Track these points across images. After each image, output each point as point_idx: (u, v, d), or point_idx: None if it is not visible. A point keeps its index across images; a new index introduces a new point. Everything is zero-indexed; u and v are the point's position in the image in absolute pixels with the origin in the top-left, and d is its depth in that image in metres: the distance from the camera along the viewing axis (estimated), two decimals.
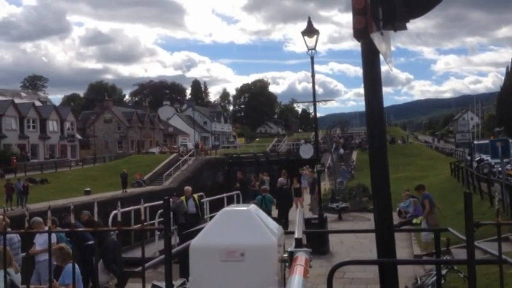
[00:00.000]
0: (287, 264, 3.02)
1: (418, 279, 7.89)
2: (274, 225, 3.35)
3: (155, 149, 69.49)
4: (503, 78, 72.36)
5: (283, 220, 16.44)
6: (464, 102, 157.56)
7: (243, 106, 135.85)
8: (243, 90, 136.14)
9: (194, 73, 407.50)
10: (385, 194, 3.56)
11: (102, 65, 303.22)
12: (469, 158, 27.16)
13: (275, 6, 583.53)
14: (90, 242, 9.81)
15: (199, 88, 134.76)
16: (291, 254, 2.94)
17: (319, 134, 19.74)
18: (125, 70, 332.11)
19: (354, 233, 13.24)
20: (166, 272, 3.38)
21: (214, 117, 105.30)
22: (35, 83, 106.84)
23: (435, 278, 6.31)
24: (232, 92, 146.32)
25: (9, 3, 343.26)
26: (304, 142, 37.31)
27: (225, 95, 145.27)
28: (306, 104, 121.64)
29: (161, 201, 4.08)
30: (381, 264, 3.63)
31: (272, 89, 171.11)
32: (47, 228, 3.87)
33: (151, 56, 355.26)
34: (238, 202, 19.83)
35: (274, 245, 3.01)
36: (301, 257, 2.78)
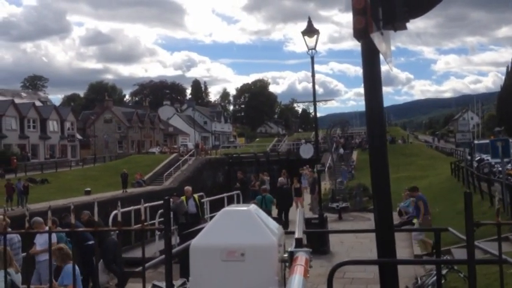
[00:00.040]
0: (287, 264, 3.02)
1: (419, 279, 7.89)
2: (274, 225, 3.35)
3: (155, 149, 69.50)
4: (503, 78, 72.49)
5: (282, 219, 16.44)
6: (465, 102, 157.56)
7: (243, 106, 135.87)
8: (243, 90, 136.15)
9: (194, 73, 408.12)
10: (385, 194, 3.56)
11: (102, 65, 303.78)
12: (469, 157, 27.15)
13: (275, 6, 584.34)
14: (91, 242, 9.81)
15: (199, 88, 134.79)
16: (291, 254, 2.94)
17: (319, 134, 19.74)
18: (125, 70, 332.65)
19: (354, 233, 13.21)
20: (166, 272, 3.38)
21: (214, 117, 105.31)
22: (35, 83, 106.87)
23: (435, 277, 6.30)
24: (233, 91, 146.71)
25: (10, 3, 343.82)
26: (305, 142, 37.31)
27: (225, 94, 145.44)
28: (306, 103, 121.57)
29: (161, 201, 4.08)
30: (381, 264, 3.63)
31: (272, 88, 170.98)
32: (47, 228, 3.87)
33: (152, 56, 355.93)
34: (238, 202, 19.84)
35: (274, 245, 3.01)
36: (302, 257, 2.78)
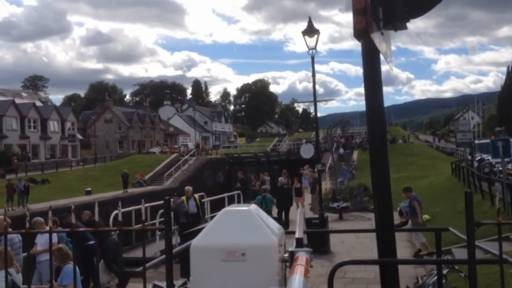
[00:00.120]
0: (288, 264, 3.02)
1: (419, 278, 7.89)
2: (274, 225, 3.35)
3: (156, 149, 69.54)
4: (503, 77, 72.54)
5: (282, 219, 16.44)
6: (465, 101, 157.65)
7: (243, 106, 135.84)
8: (243, 90, 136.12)
9: (194, 73, 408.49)
10: (386, 194, 3.56)
11: (102, 65, 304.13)
12: (469, 157, 27.13)
13: (275, 6, 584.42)
14: (91, 242, 9.81)
15: (199, 88, 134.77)
16: (292, 254, 2.94)
17: (319, 134, 19.75)
18: (126, 70, 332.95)
19: (355, 233, 13.21)
20: (167, 272, 3.38)
21: (214, 117, 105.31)
22: (35, 83, 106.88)
23: (436, 277, 6.31)
24: (233, 91, 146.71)
25: (10, 3, 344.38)
26: (305, 142, 37.29)
27: (225, 94, 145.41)
28: (307, 103, 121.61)
29: (162, 201, 4.09)
30: (381, 264, 3.63)
31: (273, 88, 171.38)
32: (48, 228, 3.87)
33: (152, 56, 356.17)
34: (238, 202, 19.83)
35: (275, 245, 3.01)
36: (302, 256, 2.78)
